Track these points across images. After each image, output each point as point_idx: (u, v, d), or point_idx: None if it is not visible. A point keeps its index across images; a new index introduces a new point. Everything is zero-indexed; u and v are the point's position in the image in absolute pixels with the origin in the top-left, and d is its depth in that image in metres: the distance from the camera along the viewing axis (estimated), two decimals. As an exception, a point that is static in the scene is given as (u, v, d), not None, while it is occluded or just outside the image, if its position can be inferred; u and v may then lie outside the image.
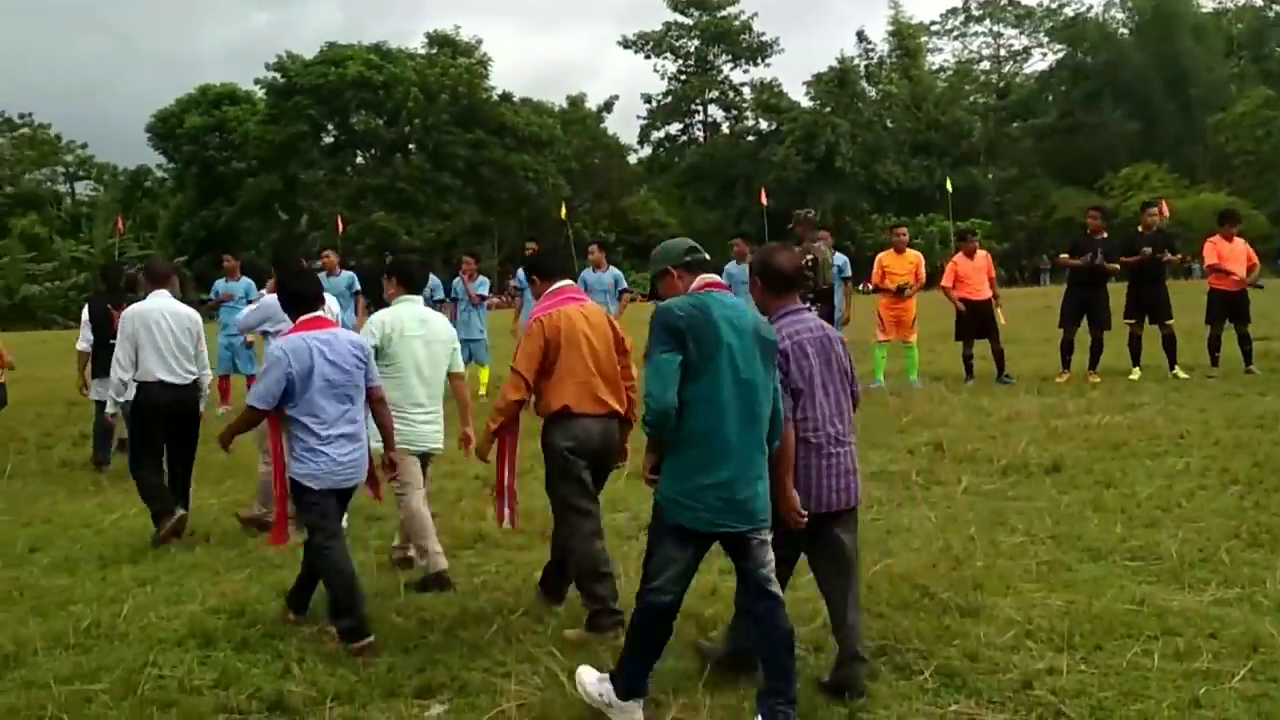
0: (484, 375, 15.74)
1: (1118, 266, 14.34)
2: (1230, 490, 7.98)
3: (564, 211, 38.33)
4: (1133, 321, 14.67)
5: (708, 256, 5.03)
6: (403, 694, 4.86)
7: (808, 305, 5.82)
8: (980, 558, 6.42)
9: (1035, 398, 13.02)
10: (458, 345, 7.37)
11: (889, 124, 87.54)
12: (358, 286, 15.68)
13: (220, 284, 15.80)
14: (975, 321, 15.12)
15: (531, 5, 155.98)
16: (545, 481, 5.94)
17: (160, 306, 8.40)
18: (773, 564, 4.51)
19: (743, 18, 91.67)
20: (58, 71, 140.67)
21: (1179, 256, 14.77)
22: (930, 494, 8.29)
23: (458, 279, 16.06)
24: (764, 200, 46.00)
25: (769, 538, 4.53)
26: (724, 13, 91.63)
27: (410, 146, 75.46)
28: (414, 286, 7.13)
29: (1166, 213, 16.14)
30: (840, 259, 14.36)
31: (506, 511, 6.33)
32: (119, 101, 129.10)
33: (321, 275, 15.44)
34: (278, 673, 5.14)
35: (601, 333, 5.91)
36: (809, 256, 12.88)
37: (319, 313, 6.06)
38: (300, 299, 6.01)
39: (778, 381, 4.57)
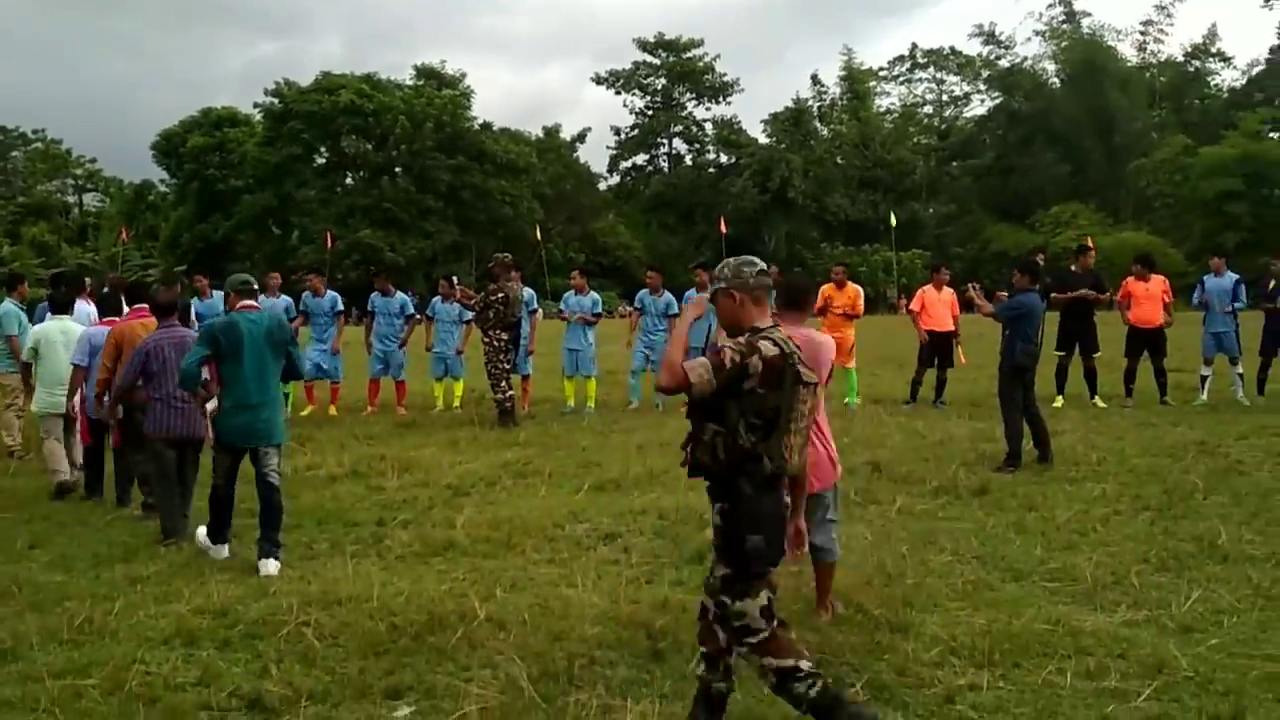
0: (458, 389, 15.69)
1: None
2: (1142, 516, 8.05)
3: (538, 233, 38.20)
4: (1063, 354, 14.78)
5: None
6: (372, 695, 4.82)
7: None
8: (911, 575, 6.43)
9: (966, 422, 13.10)
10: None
11: (839, 160, 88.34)
12: (339, 307, 15.59)
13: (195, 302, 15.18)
14: (934, 351, 15.19)
15: (519, 42, 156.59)
16: None
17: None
18: None
19: (706, 59, 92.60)
20: (74, 90, 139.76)
21: (1106, 295, 14.90)
22: (867, 512, 8.30)
23: (436, 298, 16.01)
24: (723, 228, 45.96)
25: None
26: (689, 54, 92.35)
27: (396, 170, 75.49)
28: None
29: (1093, 247, 16.27)
30: (529, 294, 15.03)
31: None
32: (128, 120, 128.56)
33: (306, 295, 15.40)
34: (256, 672, 5.09)
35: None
36: (501, 294, 13.63)
37: None
38: None
39: None
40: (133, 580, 6.71)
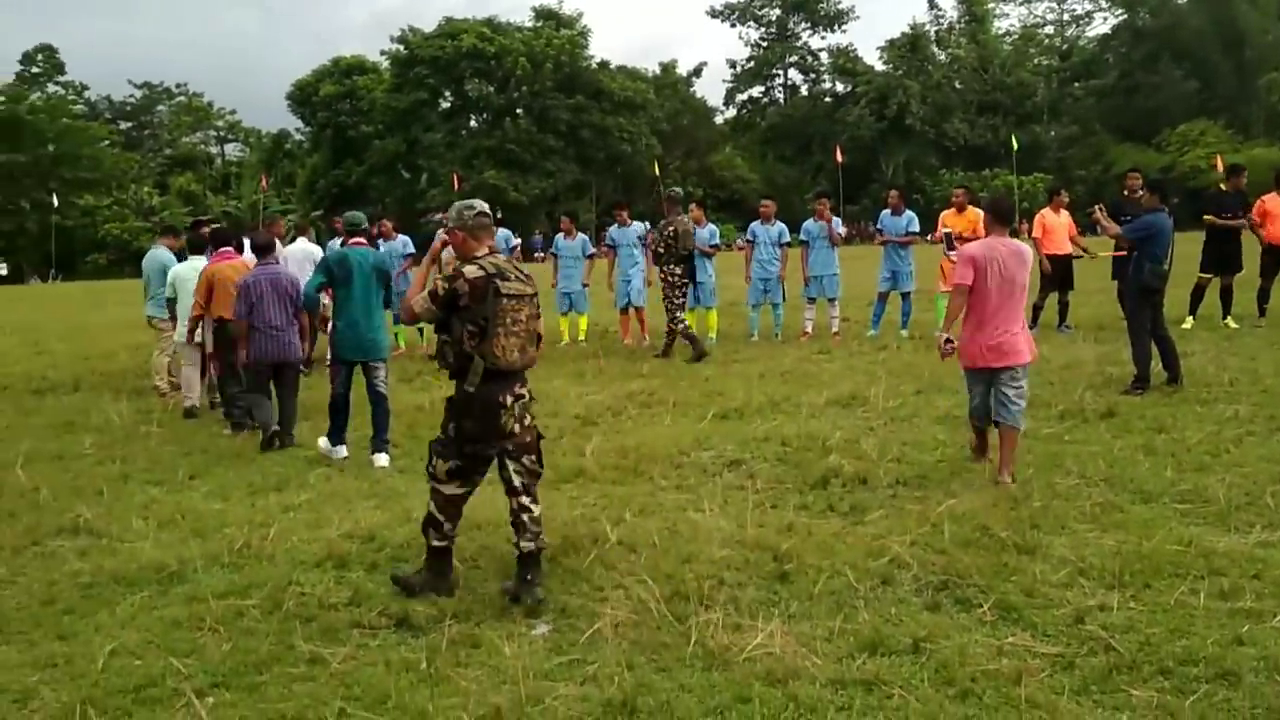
0: (583, 323, 15.84)
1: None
2: (1277, 436, 7.73)
3: (656, 169, 38.00)
4: (1208, 275, 14.17)
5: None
6: (511, 614, 4.93)
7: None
8: (1038, 499, 6.30)
9: (1092, 346, 12.70)
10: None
11: (957, 85, 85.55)
12: (411, 249, 15.74)
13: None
14: (1055, 275, 14.70)
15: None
16: None
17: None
18: None
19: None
20: (212, 45, 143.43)
21: (1243, 220, 14.22)
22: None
23: (559, 234, 16.07)
24: (839, 157, 45.32)
25: None
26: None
27: (518, 111, 75.57)
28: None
29: (1220, 166, 15.49)
30: (710, 230, 15.17)
31: None
32: (264, 72, 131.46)
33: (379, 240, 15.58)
34: (403, 593, 5.25)
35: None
36: (671, 228, 13.52)
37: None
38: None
39: None
40: (285, 508, 6.97)
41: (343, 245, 8.86)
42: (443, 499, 5.34)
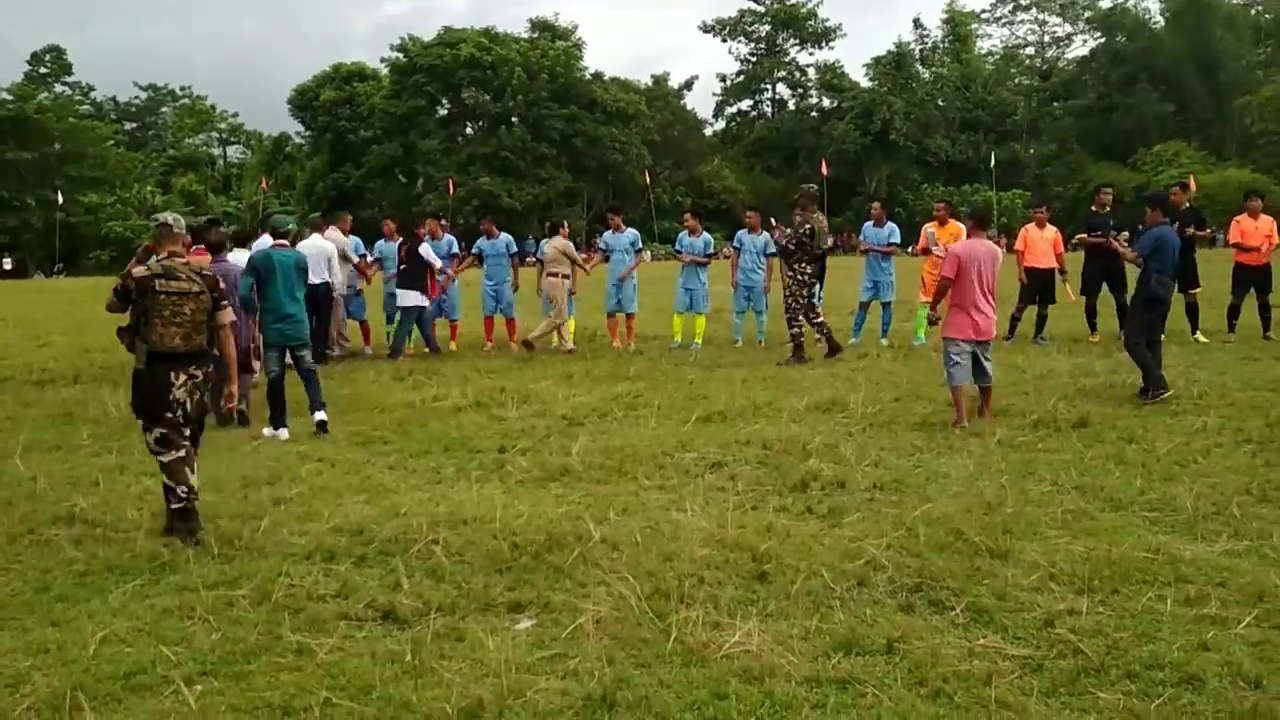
0: (571, 326, 15.82)
1: (1115, 239, 13.52)
2: (1243, 448, 7.74)
3: (647, 178, 38.02)
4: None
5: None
6: (496, 608, 4.90)
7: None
8: (1011, 505, 6.29)
9: (1066, 358, 12.74)
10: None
11: (940, 102, 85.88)
12: (455, 250, 15.71)
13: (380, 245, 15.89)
14: (1036, 288, 14.73)
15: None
16: None
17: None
18: None
19: (809, 5, 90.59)
20: (217, 49, 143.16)
21: (1207, 231, 14.27)
22: (968, 444, 8.15)
23: (542, 240, 16.14)
24: (825, 170, 45.42)
25: None
26: (792, 1, 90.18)
27: (513, 119, 75.59)
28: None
29: (1194, 187, 15.56)
30: (704, 239, 15.19)
31: None
32: (267, 76, 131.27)
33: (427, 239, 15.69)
34: (390, 586, 5.21)
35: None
36: (807, 226, 12.81)
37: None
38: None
39: None
40: (276, 501, 6.92)
41: (272, 247, 9.71)
42: (166, 465, 6.08)
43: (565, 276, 14.53)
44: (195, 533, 5.99)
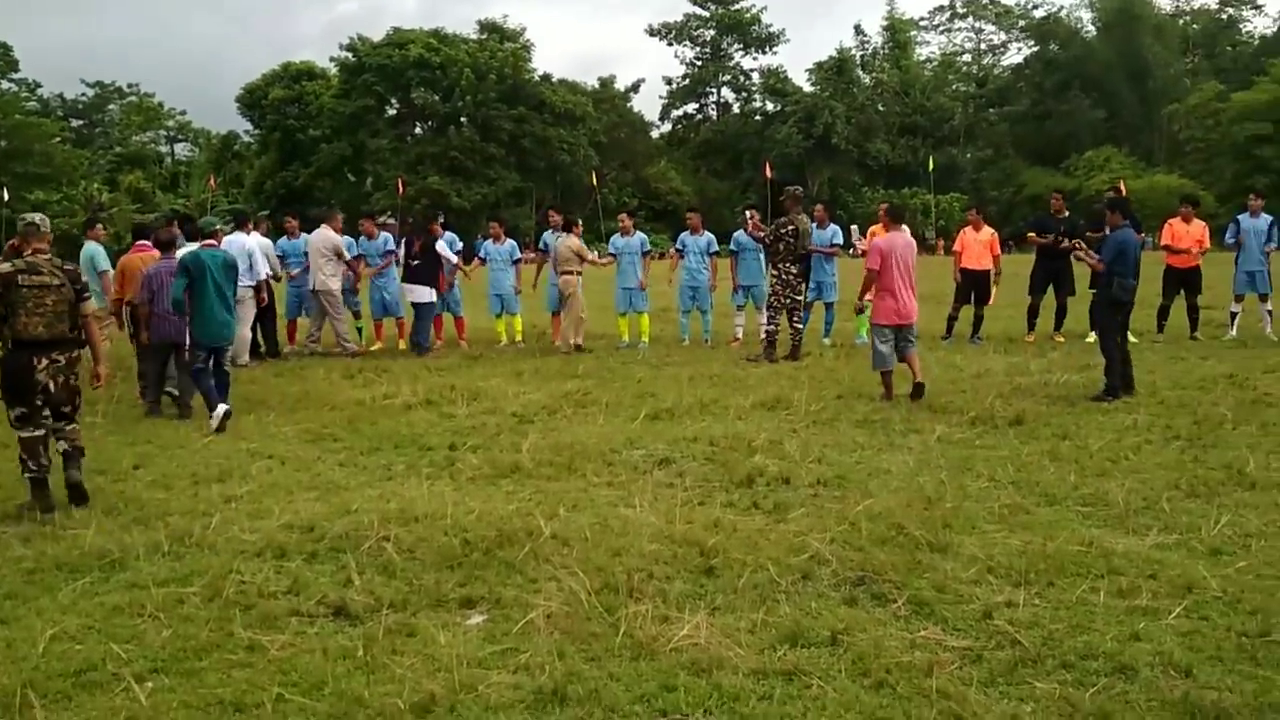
0: (518, 324, 15.80)
1: (1080, 245, 13.83)
2: (1173, 445, 7.91)
3: (594, 179, 37.97)
4: (1095, 290, 14.44)
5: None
6: (447, 604, 4.87)
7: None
8: (950, 499, 6.37)
9: (1002, 357, 12.92)
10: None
11: (880, 108, 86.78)
12: (390, 247, 15.64)
13: (283, 242, 15.69)
14: (970, 289, 14.90)
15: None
16: None
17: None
18: None
19: (753, 10, 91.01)
20: (166, 46, 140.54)
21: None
22: (908, 441, 8.24)
23: (487, 239, 16.07)
24: (768, 173, 45.46)
25: None
26: (737, 6, 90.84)
27: (462, 120, 75.21)
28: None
29: (1124, 191, 15.84)
30: (639, 238, 15.19)
31: None
32: (216, 75, 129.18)
33: (361, 239, 15.57)
34: (341, 582, 5.16)
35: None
36: (791, 226, 12.86)
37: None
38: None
39: None
40: (227, 498, 6.83)
41: (200, 247, 9.83)
42: (23, 440, 6.62)
43: (578, 274, 14.51)
44: (49, 504, 6.53)
